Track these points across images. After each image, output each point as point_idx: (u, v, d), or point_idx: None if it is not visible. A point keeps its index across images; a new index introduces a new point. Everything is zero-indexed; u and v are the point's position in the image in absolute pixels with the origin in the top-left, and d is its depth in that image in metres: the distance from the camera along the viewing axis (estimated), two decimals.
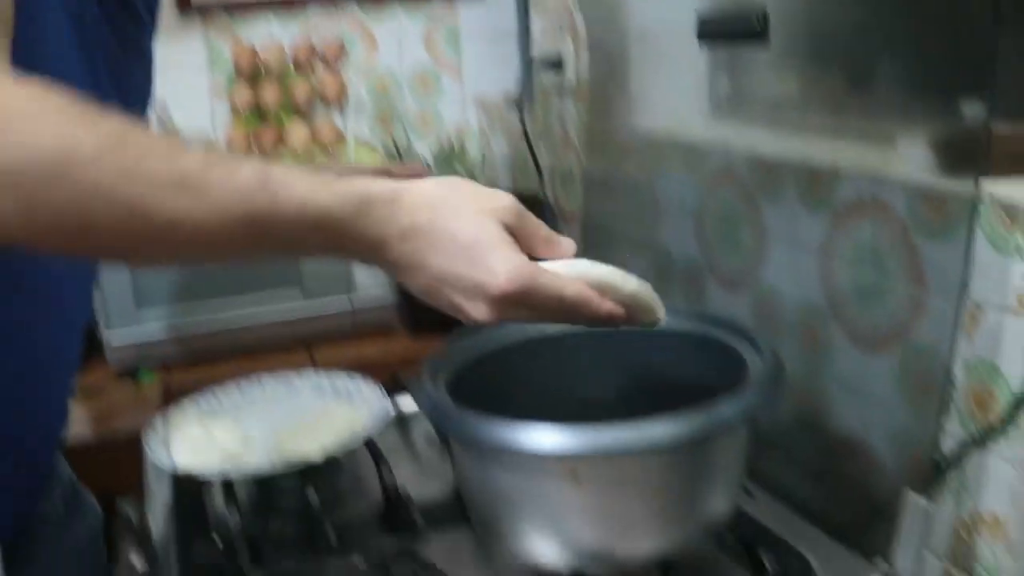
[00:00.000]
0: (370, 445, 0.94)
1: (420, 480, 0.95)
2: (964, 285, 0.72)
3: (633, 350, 0.87)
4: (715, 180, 1.05)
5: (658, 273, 1.17)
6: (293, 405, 1.02)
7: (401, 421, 1.10)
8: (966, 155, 0.73)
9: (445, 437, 0.84)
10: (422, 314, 1.47)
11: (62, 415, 0.82)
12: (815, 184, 0.89)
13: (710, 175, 1.06)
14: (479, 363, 0.83)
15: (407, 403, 1.10)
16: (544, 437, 0.63)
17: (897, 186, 0.79)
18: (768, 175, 0.96)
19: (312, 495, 0.87)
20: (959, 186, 0.73)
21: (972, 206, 0.70)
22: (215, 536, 0.85)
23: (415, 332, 1.47)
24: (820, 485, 0.90)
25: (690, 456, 0.66)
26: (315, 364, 1.37)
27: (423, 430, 1.08)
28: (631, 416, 0.86)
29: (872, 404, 0.85)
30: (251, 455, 0.92)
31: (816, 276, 0.90)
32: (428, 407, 0.72)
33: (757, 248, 0.99)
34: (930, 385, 0.78)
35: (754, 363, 0.76)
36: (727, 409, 0.65)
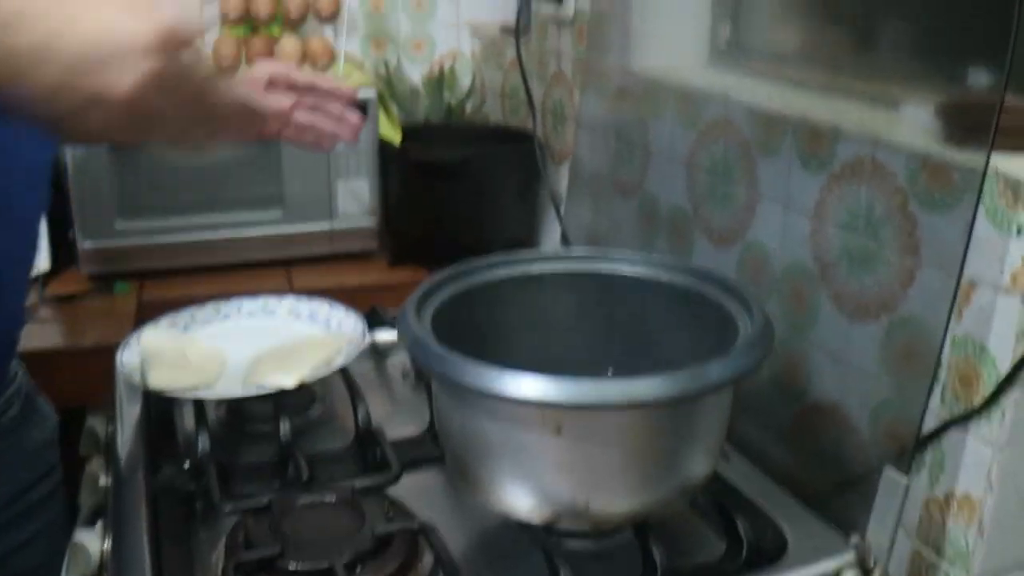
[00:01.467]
0: (346, 376, 0.93)
1: (394, 415, 0.94)
2: (963, 261, 0.71)
3: (618, 299, 0.86)
4: (710, 129, 1.03)
5: (645, 220, 1.16)
6: (270, 329, 1.00)
7: (377, 353, 1.09)
8: (976, 126, 0.71)
9: (425, 375, 0.83)
10: (403, 242, 1.46)
11: (16, 318, 0.80)
12: (814, 141, 0.88)
13: (705, 123, 1.04)
14: (464, 300, 0.82)
15: (384, 335, 1.09)
16: (530, 385, 0.62)
17: (899, 151, 0.78)
18: (765, 128, 0.95)
19: (284, 424, 0.85)
20: (967, 158, 0.72)
21: (980, 180, 0.69)
22: (184, 459, 0.84)
23: (395, 261, 1.45)
24: (796, 451, 0.90)
25: (675, 415, 0.66)
26: (293, 286, 1.36)
27: (399, 363, 1.07)
28: (614, 366, 0.87)
29: (853, 373, 0.85)
30: (225, 378, 0.90)
31: (807, 237, 0.89)
32: (410, 342, 0.70)
33: (748, 203, 0.97)
34: (914, 359, 0.78)
35: (744, 323, 0.75)
36: (716, 370, 0.64)
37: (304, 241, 1.41)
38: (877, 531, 0.73)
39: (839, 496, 0.81)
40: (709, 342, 0.79)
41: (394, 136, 1.43)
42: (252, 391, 0.86)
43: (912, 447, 0.75)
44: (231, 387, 0.88)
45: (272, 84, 0.91)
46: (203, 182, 1.34)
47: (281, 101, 0.91)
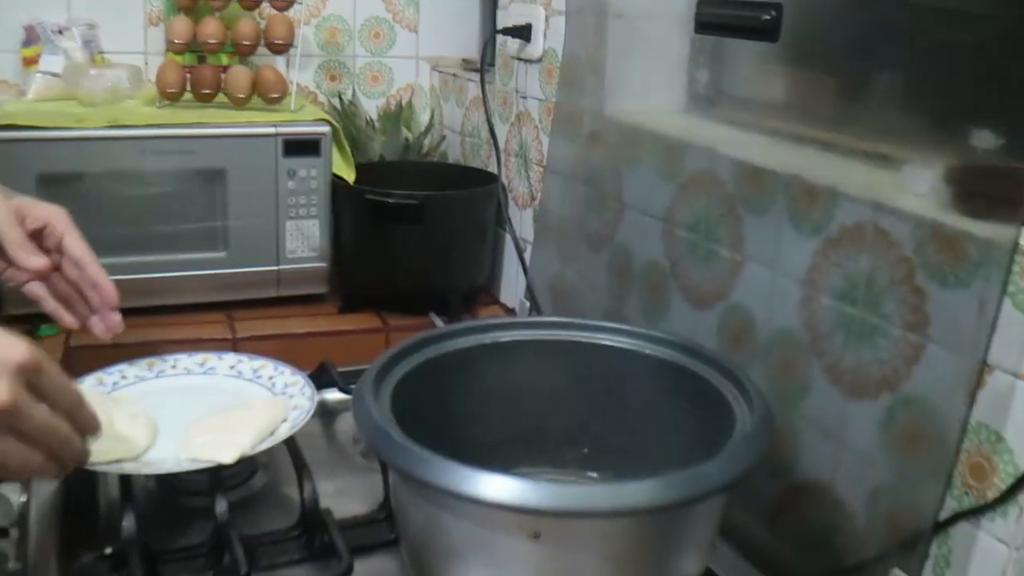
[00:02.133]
0: (291, 447, 0.84)
1: (345, 489, 0.85)
2: (987, 345, 0.64)
3: (596, 371, 0.78)
4: (692, 182, 0.97)
5: (616, 274, 1.09)
6: (208, 390, 0.91)
7: (327, 412, 1.00)
8: (995, 193, 0.65)
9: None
10: (355, 287, 1.37)
11: None
12: (808, 201, 0.81)
13: (687, 176, 0.98)
14: (427, 372, 0.74)
15: (334, 395, 1.00)
16: (506, 489, 0.54)
17: (905, 218, 0.72)
18: (754, 184, 0.88)
19: (221, 503, 0.76)
20: (982, 228, 0.66)
21: (1009, 256, 0.63)
22: (105, 543, 0.74)
23: (346, 307, 1.36)
24: (782, 535, 0.83)
25: (667, 519, 0.58)
26: (235, 333, 1.26)
27: (350, 426, 0.98)
28: (590, 445, 0.79)
29: (848, 453, 0.78)
30: (156, 448, 0.81)
31: (797, 303, 0.83)
32: (368, 429, 0.62)
33: (733, 263, 0.91)
34: (920, 443, 0.71)
35: (739, 407, 0.68)
36: (716, 471, 0.57)
37: (249, 284, 1.32)
38: None
39: None
40: (697, 422, 0.72)
41: (348, 173, 1.35)
42: (185, 466, 0.77)
43: (924, 543, 0.68)
44: (162, 460, 0.78)
45: (40, 236, 0.86)
46: (139, 218, 1.24)
47: (39, 260, 0.85)
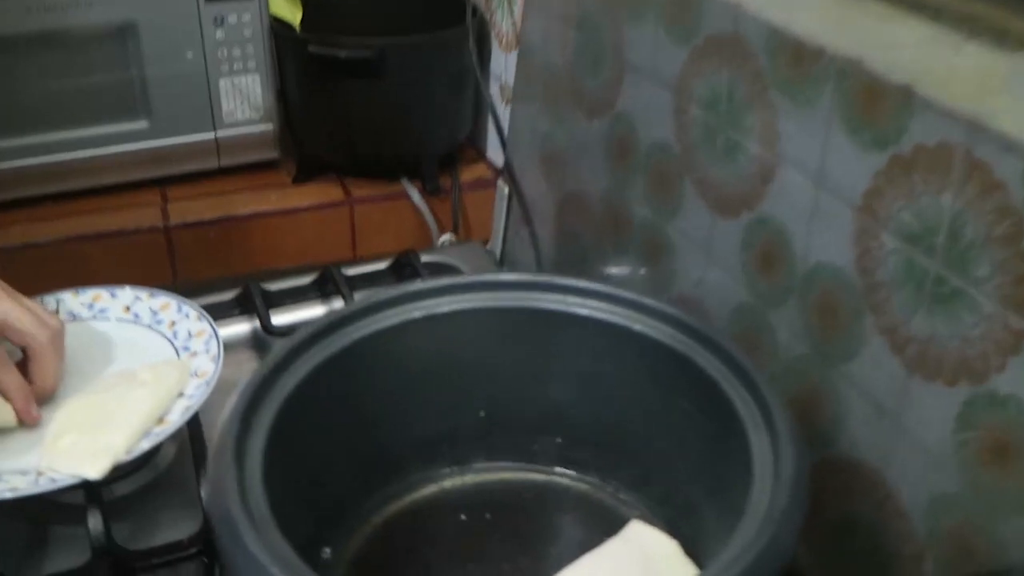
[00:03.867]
0: (192, 429, 0.66)
1: None
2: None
3: (572, 347, 0.58)
4: (710, 46, 0.72)
5: (617, 150, 0.86)
6: (95, 350, 0.72)
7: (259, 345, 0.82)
8: None
9: None
10: (310, 153, 1.15)
11: None
12: (871, 101, 0.57)
13: (702, 35, 0.73)
14: (336, 369, 0.54)
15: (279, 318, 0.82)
16: None
17: (1018, 149, 0.49)
18: (794, 64, 0.64)
19: (95, 518, 0.59)
20: None
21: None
22: None
23: (301, 176, 1.14)
24: (813, 525, 0.65)
25: None
26: (167, 221, 1.06)
27: None
28: (565, 432, 0.60)
29: (908, 442, 0.59)
30: (12, 452, 0.63)
31: (849, 235, 0.61)
32: (219, 515, 0.43)
33: (763, 163, 0.68)
34: (1006, 459, 0.52)
35: (754, 427, 0.48)
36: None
37: (182, 157, 1.10)
38: None
39: None
40: (697, 429, 0.53)
41: (292, 13, 1.09)
42: (42, 486, 0.59)
43: None
44: (14, 476, 0.60)
45: None
46: (41, 92, 1.01)
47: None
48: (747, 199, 0.70)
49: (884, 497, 0.61)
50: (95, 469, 0.59)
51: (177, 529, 0.63)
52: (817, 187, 0.63)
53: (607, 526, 0.58)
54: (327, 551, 0.55)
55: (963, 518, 0.55)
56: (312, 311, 0.87)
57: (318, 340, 0.53)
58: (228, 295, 0.86)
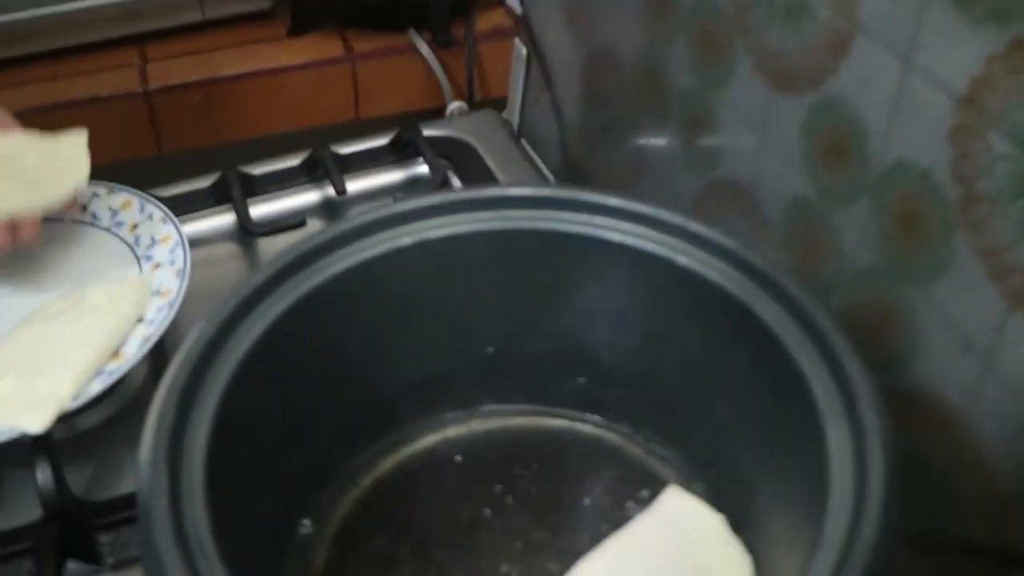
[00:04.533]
0: (157, 358, 0.57)
1: None
2: None
3: (601, 277, 0.47)
4: None
5: (656, 2, 0.72)
6: (46, 260, 0.63)
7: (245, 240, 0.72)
8: None
9: None
10: (307, 1, 1.01)
11: None
12: None
13: None
14: (309, 312, 0.44)
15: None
16: None
17: None
18: None
19: (43, 471, 0.51)
20: None
21: None
22: None
23: (297, 27, 1.01)
24: None
25: None
26: (146, 85, 0.94)
27: None
28: (590, 372, 0.50)
29: (1001, 387, 0.48)
30: None
31: (945, 132, 0.48)
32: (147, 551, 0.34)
33: (836, 33, 0.55)
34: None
35: (825, 398, 0.38)
36: None
37: (161, 9, 0.97)
38: None
39: None
40: (750, 388, 0.43)
41: None
42: None
43: None
44: None
45: None
46: None
47: None
48: (813, 75, 0.57)
49: (963, 442, 0.52)
50: (36, 422, 0.50)
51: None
52: (906, 68, 0.50)
53: (639, 487, 0.49)
54: (306, 523, 0.47)
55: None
56: (299, 199, 0.76)
57: (283, 280, 0.43)
58: (204, 182, 0.75)
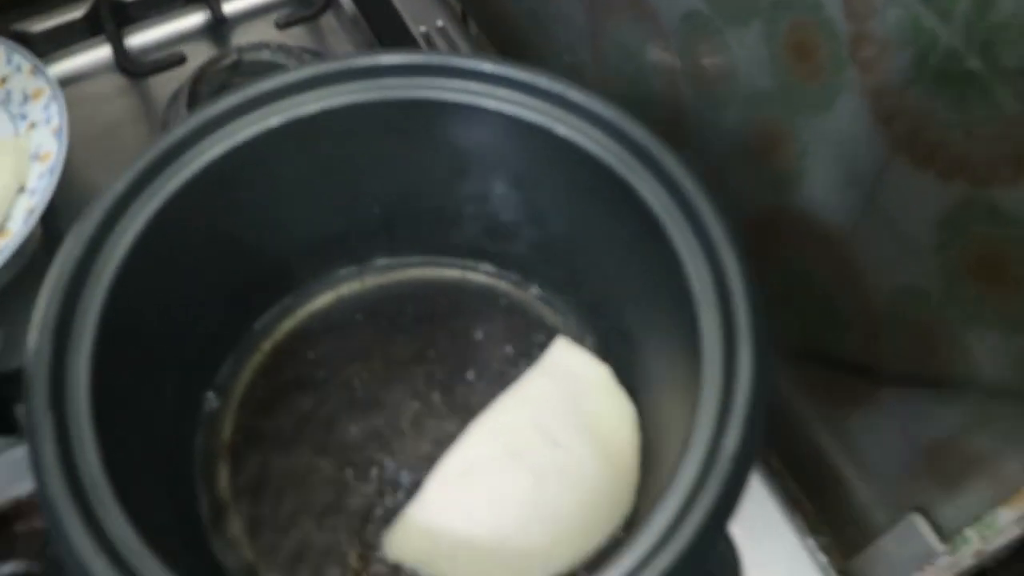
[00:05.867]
0: (47, 225, 0.55)
1: None
2: None
3: (470, 146, 0.46)
4: None
5: None
6: None
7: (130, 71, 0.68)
8: None
9: None
10: None
11: None
12: None
13: None
14: (182, 206, 0.43)
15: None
16: None
17: None
18: None
19: None
20: None
21: None
22: None
23: None
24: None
25: None
26: None
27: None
28: (476, 241, 0.49)
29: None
30: None
31: None
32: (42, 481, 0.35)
33: None
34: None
35: (701, 282, 0.39)
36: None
37: None
38: None
39: None
40: (635, 260, 0.44)
41: None
42: None
43: None
44: None
45: None
46: None
47: None
48: None
49: (843, 263, 0.54)
50: None
51: None
52: None
53: (531, 331, 0.51)
54: (211, 396, 0.48)
55: (930, 316, 0.49)
56: (176, 25, 0.71)
57: (145, 184, 0.41)
58: (76, 12, 0.69)
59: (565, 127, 0.43)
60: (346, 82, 0.44)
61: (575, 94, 0.42)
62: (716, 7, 0.55)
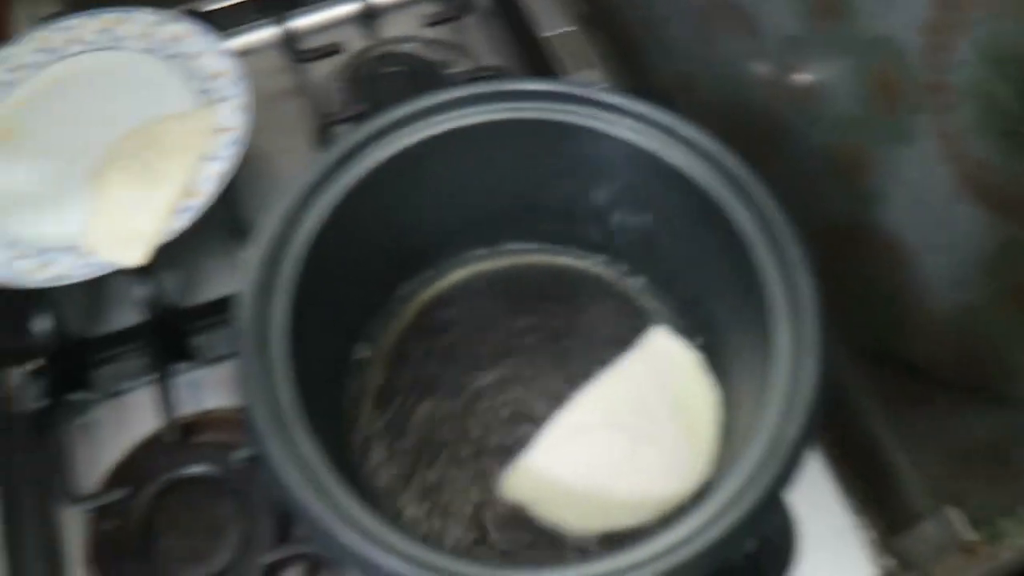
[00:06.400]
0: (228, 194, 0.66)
1: None
2: None
3: (594, 162, 0.55)
4: None
5: None
6: (112, 93, 0.70)
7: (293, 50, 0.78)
8: None
9: None
10: None
11: None
12: None
13: None
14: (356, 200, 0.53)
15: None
16: None
17: None
18: None
19: (145, 288, 0.62)
20: None
21: None
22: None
23: None
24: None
25: None
26: None
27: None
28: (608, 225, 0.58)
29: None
30: (57, 215, 0.64)
31: None
32: (260, 431, 0.45)
33: None
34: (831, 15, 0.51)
35: (781, 302, 0.47)
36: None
37: None
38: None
39: None
40: (726, 279, 0.53)
41: None
42: (85, 272, 0.61)
43: None
44: (61, 254, 0.62)
45: None
46: None
47: None
48: None
49: (912, 276, 0.61)
50: (133, 256, 0.61)
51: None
52: None
53: (632, 319, 0.60)
54: (361, 347, 0.59)
55: (982, 333, 0.56)
56: (335, 11, 0.81)
57: (330, 176, 0.51)
58: None
59: (673, 154, 0.51)
60: (495, 102, 0.53)
61: (684, 128, 0.51)
62: (813, 34, 0.62)
